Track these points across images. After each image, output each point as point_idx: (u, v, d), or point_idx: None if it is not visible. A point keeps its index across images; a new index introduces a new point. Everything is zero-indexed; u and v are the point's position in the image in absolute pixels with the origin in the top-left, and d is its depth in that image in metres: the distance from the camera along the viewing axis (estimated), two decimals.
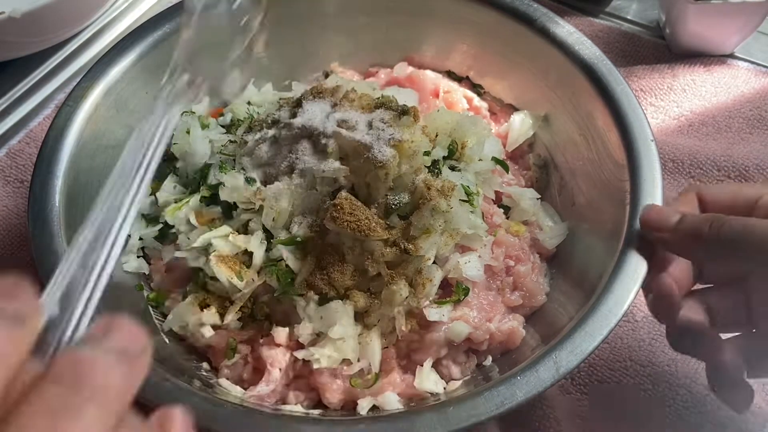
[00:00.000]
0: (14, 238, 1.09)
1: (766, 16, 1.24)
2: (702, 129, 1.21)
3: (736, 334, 0.83)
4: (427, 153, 0.93)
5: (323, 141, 0.91)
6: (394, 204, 0.89)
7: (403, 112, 0.95)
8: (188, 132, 1.02)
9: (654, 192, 0.88)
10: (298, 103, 0.97)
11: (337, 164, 0.90)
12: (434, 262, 0.90)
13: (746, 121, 1.21)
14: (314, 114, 0.94)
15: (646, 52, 1.35)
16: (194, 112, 1.13)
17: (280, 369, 0.87)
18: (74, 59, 1.40)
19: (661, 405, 0.92)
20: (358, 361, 0.87)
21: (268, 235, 0.93)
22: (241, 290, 0.91)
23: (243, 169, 0.96)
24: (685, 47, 1.31)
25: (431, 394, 0.88)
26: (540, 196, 1.04)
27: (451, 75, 1.21)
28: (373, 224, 0.87)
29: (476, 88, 1.19)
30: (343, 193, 0.89)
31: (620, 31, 1.38)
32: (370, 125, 0.93)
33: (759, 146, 1.16)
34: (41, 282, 0.83)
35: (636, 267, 0.82)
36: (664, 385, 0.93)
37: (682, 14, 1.24)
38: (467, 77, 1.21)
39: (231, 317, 0.90)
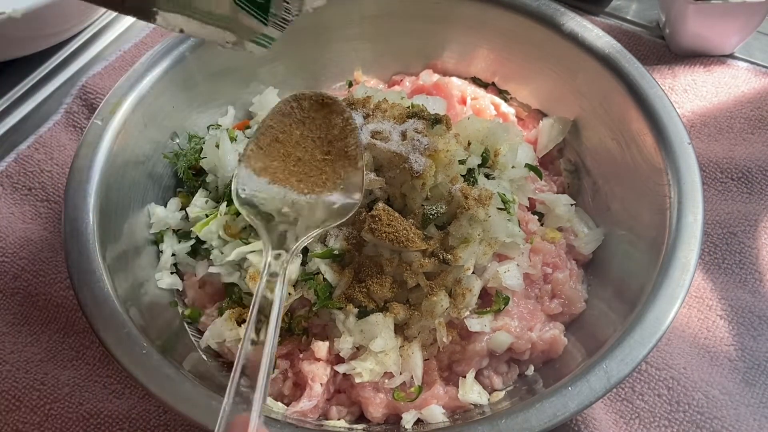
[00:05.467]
0: (18, 241, 1.09)
1: (766, 16, 1.22)
2: (704, 130, 1.21)
3: None
4: (462, 161, 0.92)
5: None
6: (431, 214, 0.88)
7: (436, 120, 0.95)
8: (217, 146, 1.02)
9: (695, 196, 0.87)
10: None
11: (372, 175, 0.89)
12: (473, 272, 0.89)
13: (747, 121, 1.20)
14: None
15: (646, 52, 1.34)
16: (220, 125, 1.13)
17: (321, 384, 0.86)
18: (75, 59, 1.40)
19: (677, 409, 0.91)
20: (400, 374, 0.86)
21: (304, 249, 0.92)
22: None
23: None
24: (685, 47, 1.30)
25: (475, 405, 0.87)
26: (574, 202, 1.03)
27: (476, 81, 1.20)
28: (411, 235, 0.86)
29: (502, 93, 1.19)
30: (381, 204, 0.88)
31: (620, 31, 1.37)
32: (403, 135, 0.92)
33: (761, 147, 1.15)
34: (79, 301, 0.83)
35: (681, 272, 0.81)
36: (679, 390, 0.92)
37: (682, 14, 1.23)
38: (493, 83, 1.20)
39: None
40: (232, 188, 0.80)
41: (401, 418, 0.85)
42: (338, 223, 0.79)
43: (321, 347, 0.87)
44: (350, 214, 0.79)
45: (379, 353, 0.85)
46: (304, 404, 0.84)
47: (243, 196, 0.80)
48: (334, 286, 0.88)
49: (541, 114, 1.15)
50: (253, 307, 0.69)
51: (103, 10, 1.44)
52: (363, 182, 0.81)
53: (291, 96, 0.86)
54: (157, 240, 1.01)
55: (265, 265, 0.73)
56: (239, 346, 0.67)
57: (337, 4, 1.16)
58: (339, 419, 0.87)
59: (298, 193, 0.81)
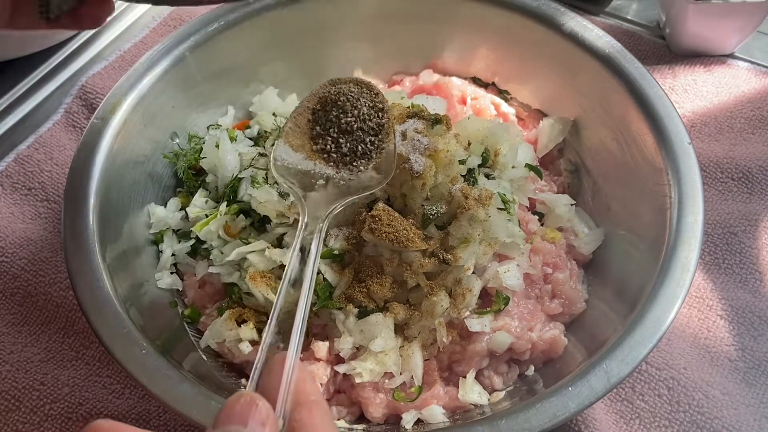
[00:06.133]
0: (18, 241, 1.08)
1: (766, 16, 1.22)
2: (704, 130, 1.21)
3: None
4: (462, 161, 0.92)
5: None
6: (431, 214, 0.88)
7: (436, 120, 0.95)
8: (217, 146, 1.02)
9: (695, 196, 0.87)
10: None
11: (373, 174, 0.89)
12: (473, 272, 0.89)
13: (748, 121, 1.20)
14: None
15: (646, 52, 1.34)
16: (220, 125, 1.13)
17: (321, 384, 0.86)
18: (75, 59, 1.40)
19: (677, 410, 0.91)
20: (401, 374, 0.86)
21: (303, 249, 0.92)
22: None
23: (276, 182, 0.95)
24: (685, 47, 1.30)
25: (475, 405, 0.87)
26: (574, 202, 1.03)
27: (476, 81, 1.20)
28: (412, 235, 0.86)
29: (503, 93, 1.19)
30: (381, 204, 0.88)
31: (620, 31, 1.37)
32: (403, 135, 0.92)
33: (761, 147, 1.15)
34: (79, 301, 0.83)
35: (682, 272, 0.81)
36: (679, 390, 0.92)
37: (682, 14, 1.23)
38: (493, 83, 1.20)
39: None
40: (270, 159, 0.86)
41: (401, 418, 0.85)
42: (369, 193, 0.85)
43: (321, 347, 0.87)
44: (380, 186, 0.85)
45: (379, 353, 0.85)
46: None
47: (280, 167, 0.85)
48: (334, 286, 0.88)
49: (541, 114, 1.15)
50: (289, 263, 0.72)
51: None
52: (394, 158, 0.86)
53: (328, 80, 0.91)
54: (157, 240, 1.01)
55: (300, 229, 0.77)
56: (278, 288, 0.70)
57: (337, 4, 1.16)
58: (339, 419, 0.87)
59: (332, 169, 0.86)
